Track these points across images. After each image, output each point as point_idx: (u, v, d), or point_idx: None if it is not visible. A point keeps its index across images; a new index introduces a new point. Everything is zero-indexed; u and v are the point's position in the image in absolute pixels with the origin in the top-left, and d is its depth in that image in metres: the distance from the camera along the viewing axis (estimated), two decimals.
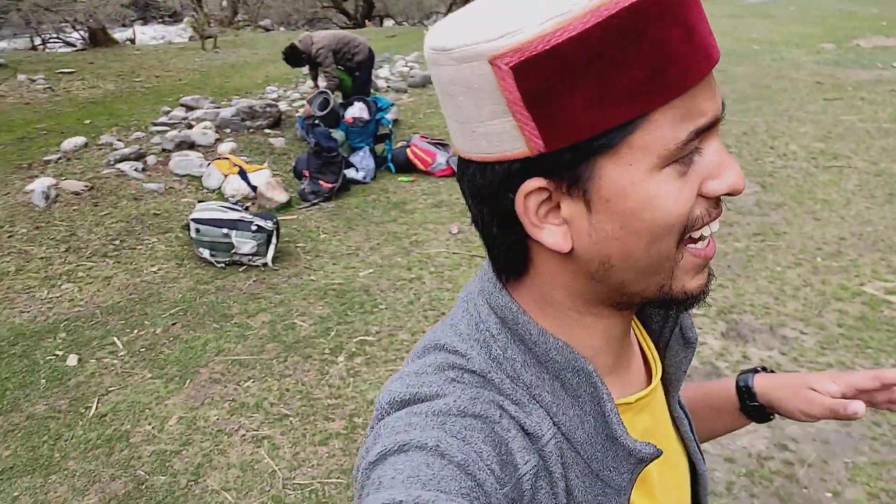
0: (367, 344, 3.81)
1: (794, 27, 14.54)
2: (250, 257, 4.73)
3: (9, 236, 4.96)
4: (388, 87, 9.76)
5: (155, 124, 7.41)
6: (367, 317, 4.08)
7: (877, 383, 0.84)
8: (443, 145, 6.73)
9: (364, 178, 6.49)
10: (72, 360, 3.71)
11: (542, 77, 0.49)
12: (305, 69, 7.78)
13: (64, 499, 2.79)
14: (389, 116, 7.13)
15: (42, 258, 4.76)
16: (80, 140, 6.56)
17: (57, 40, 18.52)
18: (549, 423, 0.59)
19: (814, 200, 5.57)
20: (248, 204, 5.65)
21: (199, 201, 5.50)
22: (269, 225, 4.75)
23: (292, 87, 9.89)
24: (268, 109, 7.55)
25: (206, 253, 4.75)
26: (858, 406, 0.80)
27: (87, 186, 5.61)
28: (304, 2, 24.18)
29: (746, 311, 3.98)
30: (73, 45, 17.76)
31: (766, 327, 3.82)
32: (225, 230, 4.68)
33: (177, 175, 6.09)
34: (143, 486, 2.84)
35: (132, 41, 18.80)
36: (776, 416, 0.93)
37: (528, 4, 0.50)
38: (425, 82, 9.90)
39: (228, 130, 7.15)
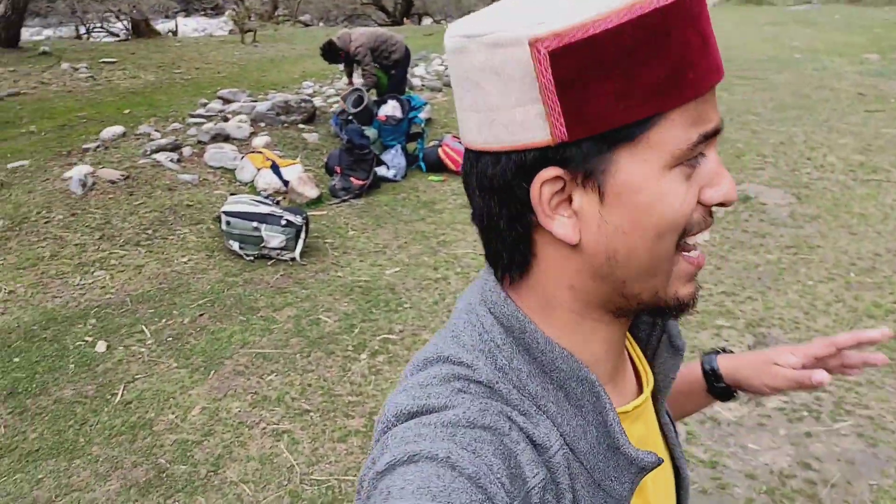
0: (391, 342, 3.82)
1: (838, 36, 14.24)
2: (279, 251, 4.77)
3: (45, 222, 5.07)
4: (423, 85, 9.77)
5: (192, 116, 7.53)
6: (392, 315, 4.10)
7: (832, 349, 0.89)
8: None
9: (395, 176, 6.52)
10: (101, 346, 3.79)
11: (576, 65, 0.51)
12: (341, 66, 7.83)
13: (86, 483, 2.84)
14: (422, 115, 7.15)
15: (77, 245, 4.86)
16: (118, 129, 6.70)
17: (101, 30, 18.91)
18: (556, 434, 0.59)
19: (850, 214, 5.45)
20: (279, 198, 5.71)
21: (231, 194, 5.57)
22: (298, 220, 4.79)
23: (328, 83, 9.95)
24: (303, 105, 7.62)
25: (235, 245, 4.81)
26: (823, 375, 0.85)
27: (123, 175, 5.71)
28: None
29: (775, 325, 3.92)
30: (117, 35, 18.12)
31: (794, 342, 3.74)
32: (255, 223, 4.73)
33: (211, 167, 6.18)
34: (164, 475, 2.88)
35: (174, 33, 19.09)
36: (747, 395, 0.98)
37: None
38: None
39: (263, 124, 7.23)
